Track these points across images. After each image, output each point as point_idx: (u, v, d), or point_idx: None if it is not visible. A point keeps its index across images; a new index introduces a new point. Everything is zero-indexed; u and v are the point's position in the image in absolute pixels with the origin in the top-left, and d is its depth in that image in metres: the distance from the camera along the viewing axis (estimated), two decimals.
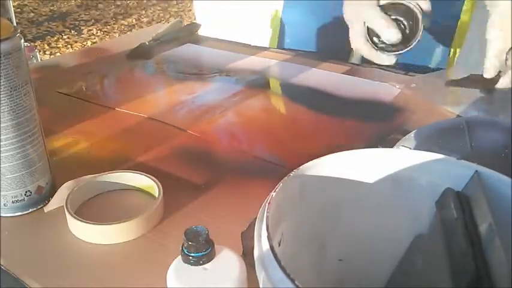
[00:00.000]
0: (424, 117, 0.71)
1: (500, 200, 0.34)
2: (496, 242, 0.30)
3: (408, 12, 0.65)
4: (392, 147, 0.55)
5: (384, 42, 0.67)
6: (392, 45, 0.67)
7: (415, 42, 0.66)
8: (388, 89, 0.82)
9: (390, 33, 0.64)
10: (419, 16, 0.64)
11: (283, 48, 1.04)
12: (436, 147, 0.44)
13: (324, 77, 0.88)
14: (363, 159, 0.40)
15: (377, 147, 0.41)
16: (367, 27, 0.67)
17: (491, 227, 0.31)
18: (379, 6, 0.65)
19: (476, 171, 0.36)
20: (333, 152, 0.39)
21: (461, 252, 0.31)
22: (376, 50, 0.68)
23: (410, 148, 0.53)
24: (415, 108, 0.76)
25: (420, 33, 0.66)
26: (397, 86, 0.83)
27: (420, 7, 0.65)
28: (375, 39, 0.68)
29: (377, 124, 0.72)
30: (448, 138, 0.55)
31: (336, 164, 0.39)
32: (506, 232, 0.32)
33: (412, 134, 0.56)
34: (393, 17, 0.66)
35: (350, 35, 0.70)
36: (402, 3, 0.65)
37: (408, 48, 0.67)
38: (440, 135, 0.56)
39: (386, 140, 0.66)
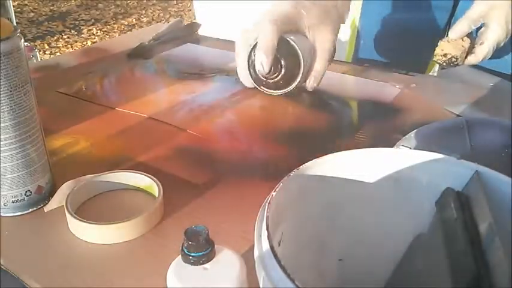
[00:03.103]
0: (424, 117, 0.71)
1: (500, 200, 0.34)
2: (496, 242, 0.30)
3: (290, 52, 0.60)
4: (392, 147, 0.55)
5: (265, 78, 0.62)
6: (269, 82, 0.62)
7: (293, 85, 0.61)
8: (388, 89, 0.82)
9: (259, 64, 0.59)
10: (301, 59, 0.59)
11: (358, 59, 1.00)
12: (436, 147, 0.44)
13: (324, 76, 0.88)
14: (363, 159, 0.40)
15: (377, 147, 0.41)
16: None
17: (491, 227, 0.31)
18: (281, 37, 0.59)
19: (476, 171, 0.36)
20: (333, 152, 0.39)
21: (461, 252, 0.31)
22: (257, 85, 0.62)
23: (410, 148, 0.54)
24: (415, 108, 0.76)
25: (299, 78, 0.61)
26: (397, 86, 0.83)
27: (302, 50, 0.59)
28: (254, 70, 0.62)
29: (377, 124, 0.72)
30: (448, 138, 0.55)
31: (336, 164, 0.39)
32: (506, 232, 0.32)
33: (412, 134, 0.56)
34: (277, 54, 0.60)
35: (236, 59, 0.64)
36: (287, 40, 0.59)
37: (283, 91, 0.62)
38: (440, 135, 0.57)
39: (386, 140, 0.66)
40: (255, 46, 0.59)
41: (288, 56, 0.59)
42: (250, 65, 0.60)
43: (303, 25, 0.58)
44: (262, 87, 0.60)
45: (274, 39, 0.57)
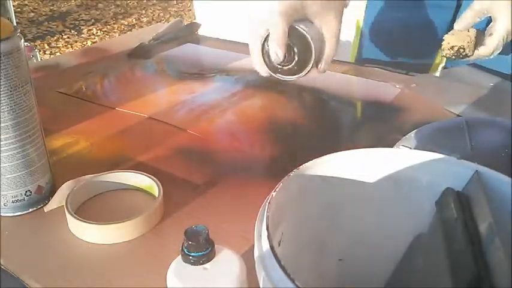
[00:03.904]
0: (424, 117, 0.71)
1: (500, 200, 0.34)
2: (496, 242, 0.30)
3: (301, 39, 0.61)
4: (392, 147, 0.55)
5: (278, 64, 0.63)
6: (284, 69, 0.63)
7: (307, 70, 0.63)
8: (388, 89, 0.82)
9: (274, 54, 0.61)
10: (312, 45, 0.62)
11: (362, 59, 1.02)
12: (436, 147, 0.44)
13: (324, 76, 0.88)
14: (363, 159, 0.40)
15: (377, 147, 0.41)
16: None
17: (491, 227, 0.31)
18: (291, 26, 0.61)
19: (476, 171, 0.36)
20: (333, 152, 0.39)
21: (461, 252, 0.31)
22: (269, 71, 0.64)
23: (410, 148, 0.54)
24: (415, 108, 0.76)
25: (311, 63, 0.63)
26: (397, 86, 0.83)
27: (310, 35, 0.62)
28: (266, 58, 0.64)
29: (377, 124, 0.72)
30: (448, 138, 0.55)
31: (336, 164, 0.39)
32: (506, 232, 0.32)
33: (412, 134, 0.56)
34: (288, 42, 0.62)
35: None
36: (297, 29, 0.61)
37: (298, 76, 0.63)
38: (440, 135, 0.57)
39: (386, 140, 0.66)
40: (267, 37, 0.62)
41: (299, 43, 0.62)
42: (265, 54, 0.63)
43: (308, 13, 0.61)
44: (277, 74, 0.63)
45: (285, 29, 0.60)
